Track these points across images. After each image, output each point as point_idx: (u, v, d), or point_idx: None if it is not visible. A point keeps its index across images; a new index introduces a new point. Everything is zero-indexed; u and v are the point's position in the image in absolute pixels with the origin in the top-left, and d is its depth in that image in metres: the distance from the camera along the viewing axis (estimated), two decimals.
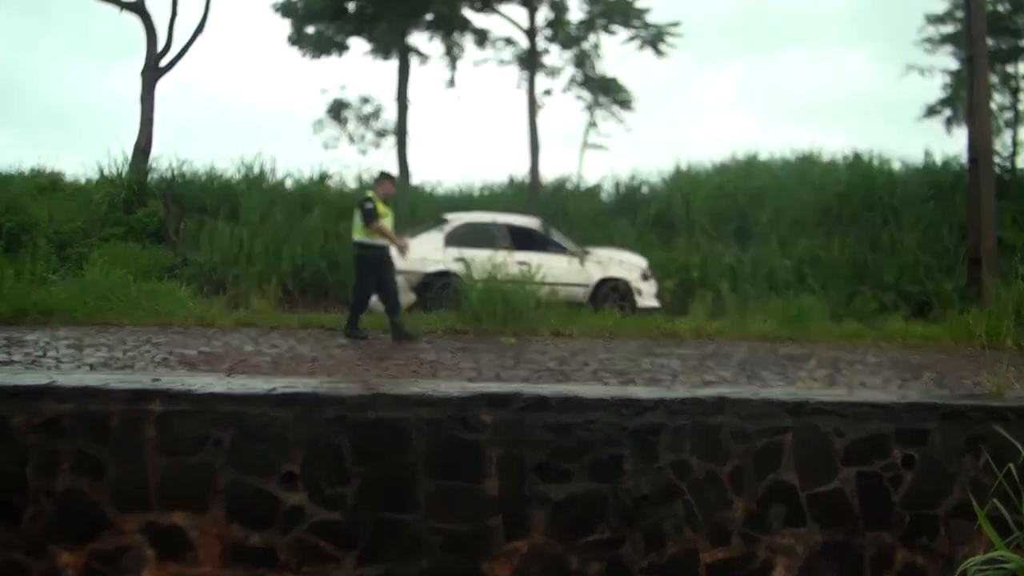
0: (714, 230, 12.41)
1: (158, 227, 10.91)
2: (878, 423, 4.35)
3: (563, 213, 12.92)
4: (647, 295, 10.04)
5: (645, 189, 14.28)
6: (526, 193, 14.09)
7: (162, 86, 12.52)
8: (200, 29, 12.58)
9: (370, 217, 6.95)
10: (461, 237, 9.76)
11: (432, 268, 9.34)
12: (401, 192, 12.17)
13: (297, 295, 10.53)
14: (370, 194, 7.19)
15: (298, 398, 4.18)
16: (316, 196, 12.41)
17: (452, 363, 5.92)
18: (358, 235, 7.03)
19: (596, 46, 16.37)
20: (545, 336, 7.63)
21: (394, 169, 14.94)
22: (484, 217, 10.43)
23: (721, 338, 7.87)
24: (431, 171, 28.51)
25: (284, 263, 10.66)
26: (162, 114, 12.54)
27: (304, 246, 10.97)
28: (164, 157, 12.61)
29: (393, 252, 6.96)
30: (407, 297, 8.62)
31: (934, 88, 21.21)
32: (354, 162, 22.64)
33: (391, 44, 15.80)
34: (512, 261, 8.95)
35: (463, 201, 13.25)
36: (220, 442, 4.04)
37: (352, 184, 13.49)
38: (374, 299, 7.12)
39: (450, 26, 15.49)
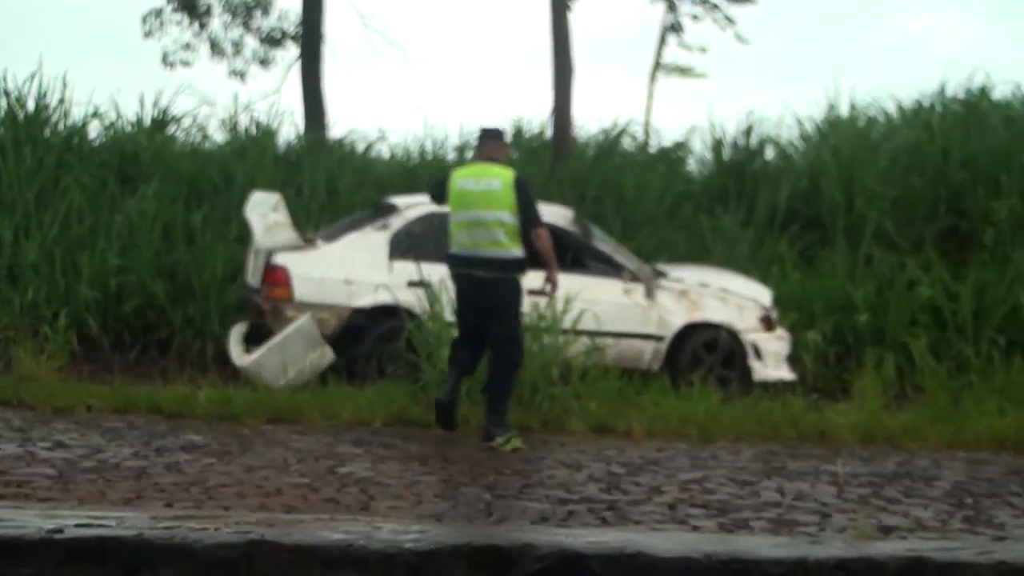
0: (904, 231, 11.13)
1: None
2: None
3: (614, 195, 11.81)
4: (772, 357, 9.15)
5: (770, 152, 12.96)
6: (543, 157, 13.00)
7: None
8: None
9: (535, 216, 6.86)
10: (420, 241, 8.75)
11: (365, 300, 8.51)
12: (307, 153, 11.66)
13: (108, 347, 9.39)
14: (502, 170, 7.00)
15: (106, 548, 3.81)
16: (149, 158, 11.19)
17: (402, 482, 5.58)
18: (507, 247, 6.83)
19: None
20: (580, 434, 7.34)
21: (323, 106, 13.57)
22: None
23: (916, 442, 7.56)
24: (368, 115, 25.72)
25: (83, 288, 9.45)
26: None
27: (126, 254, 9.78)
28: None
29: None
30: (316, 355, 8.12)
31: None
32: (224, 91, 19.76)
33: None
34: None
35: (425, 172, 12.08)
36: None
37: (219, 134, 12.60)
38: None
39: None
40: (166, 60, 14.87)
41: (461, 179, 6.98)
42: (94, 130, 11.62)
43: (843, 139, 12.30)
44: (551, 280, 7.06)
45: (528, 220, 6.83)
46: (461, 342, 7.06)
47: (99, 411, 7.32)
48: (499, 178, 6.88)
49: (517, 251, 6.85)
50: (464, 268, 6.93)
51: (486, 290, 6.88)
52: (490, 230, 6.80)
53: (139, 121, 11.93)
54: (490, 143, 7.13)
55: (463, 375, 7.04)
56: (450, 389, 6.94)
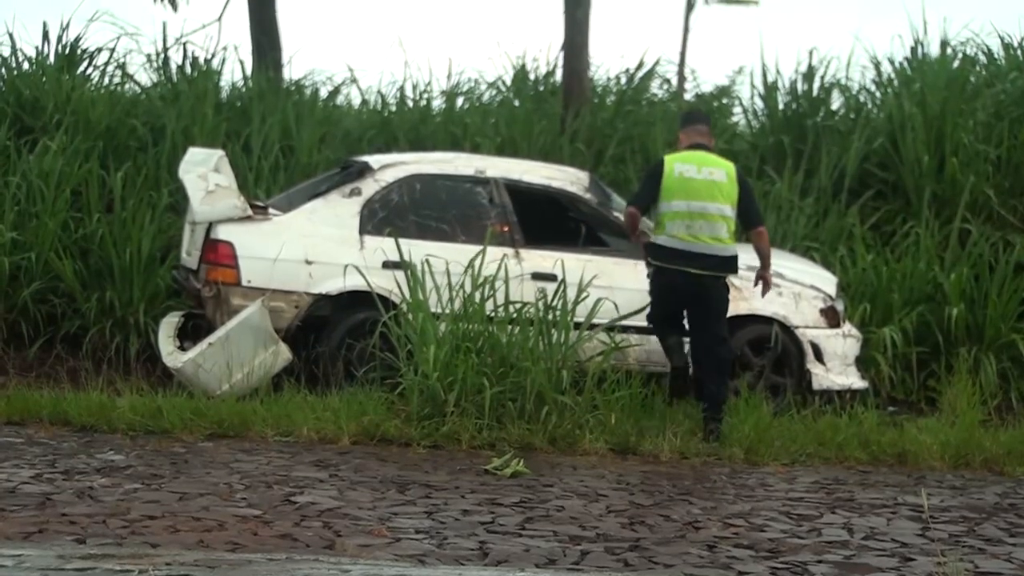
0: (1009, 201, 11.18)
1: None
2: None
3: (640, 154, 11.90)
4: (837, 359, 9.10)
5: (838, 101, 12.90)
6: (552, 105, 12.99)
7: None
8: None
9: (758, 213, 8.10)
10: (398, 211, 8.86)
11: (329, 285, 8.56)
12: (256, 99, 11.65)
13: (1, 342, 9.44)
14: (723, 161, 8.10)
15: None
16: (53, 105, 11.09)
17: (375, 515, 5.59)
18: (727, 243, 7.80)
19: None
20: (596, 455, 7.42)
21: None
22: (452, 164, 9.47)
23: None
24: (333, 51, 25.51)
25: None
26: None
27: (23, 226, 9.80)
28: None
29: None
30: (268, 354, 8.16)
31: None
32: (151, 20, 19.72)
33: None
34: (521, 270, 8.46)
35: (405, 123, 12.24)
36: None
37: (144, 74, 12.50)
38: None
39: None
40: None
41: (679, 164, 7.71)
42: None
43: (932, 85, 12.19)
44: (765, 280, 7.96)
45: (751, 218, 7.82)
46: (668, 325, 7.91)
47: None
48: (722, 169, 7.75)
49: (735, 248, 7.77)
50: (678, 263, 7.65)
51: (700, 288, 7.68)
52: (713, 223, 7.65)
53: (41, 58, 11.88)
54: (698, 126, 7.98)
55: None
56: (684, 353, 7.85)
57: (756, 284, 8.04)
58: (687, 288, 7.73)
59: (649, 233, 8.02)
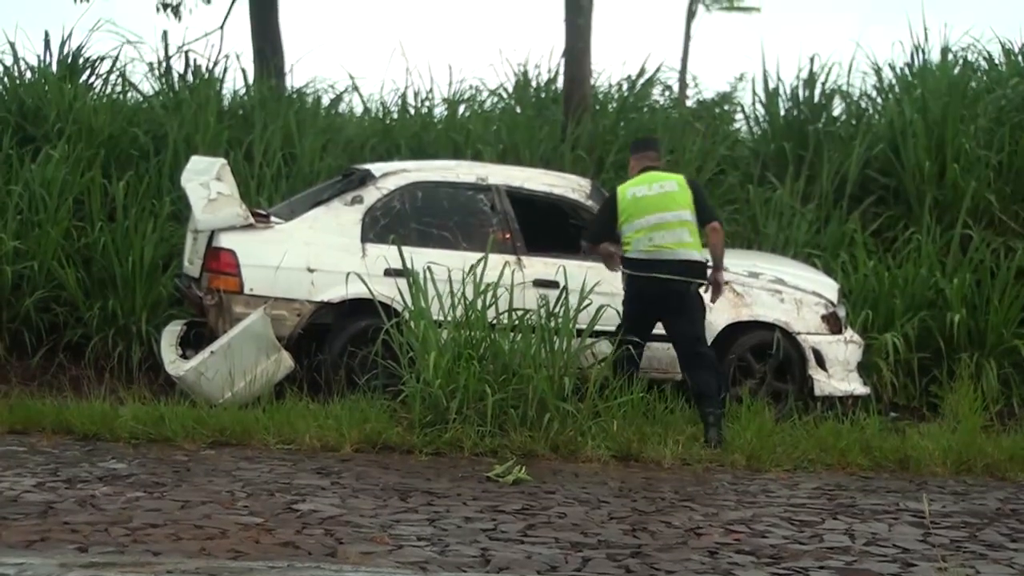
0: (1011, 207, 11.18)
1: None
2: None
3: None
4: (839, 365, 9.13)
5: (839, 108, 12.97)
6: (553, 113, 13.06)
7: None
8: None
9: (712, 211, 8.46)
10: (400, 219, 8.91)
11: (331, 292, 8.56)
12: (259, 107, 11.68)
13: (4, 351, 9.47)
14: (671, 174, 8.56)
15: None
16: (56, 113, 11.06)
17: (377, 522, 5.58)
18: (691, 247, 8.12)
19: None
20: (598, 462, 7.42)
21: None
22: (454, 172, 9.47)
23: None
24: (335, 60, 25.59)
25: None
26: None
27: (26, 234, 9.82)
28: None
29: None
30: (270, 362, 8.19)
31: None
32: (154, 29, 19.82)
33: None
34: (523, 277, 8.48)
35: (407, 132, 12.23)
36: None
37: (147, 83, 12.55)
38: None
39: None
40: None
41: (631, 188, 8.11)
42: None
43: (933, 91, 12.19)
44: (716, 283, 8.13)
45: (706, 215, 8.10)
46: (634, 345, 8.02)
47: None
48: (672, 180, 8.17)
49: (702, 255, 8.05)
50: (646, 271, 7.94)
51: (670, 293, 7.91)
52: (674, 230, 7.97)
53: (43, 67, 11.89)
54: (648, 152, 8.39)
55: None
56: (636, 364, 8.04)
57: (706, 289, 8.12)
58: (658, 295, 7.97)
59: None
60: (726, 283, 8.91)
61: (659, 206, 8.12)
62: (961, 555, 5.41)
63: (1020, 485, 7.30)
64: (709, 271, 8.27)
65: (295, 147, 11.30)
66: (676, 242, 8.04)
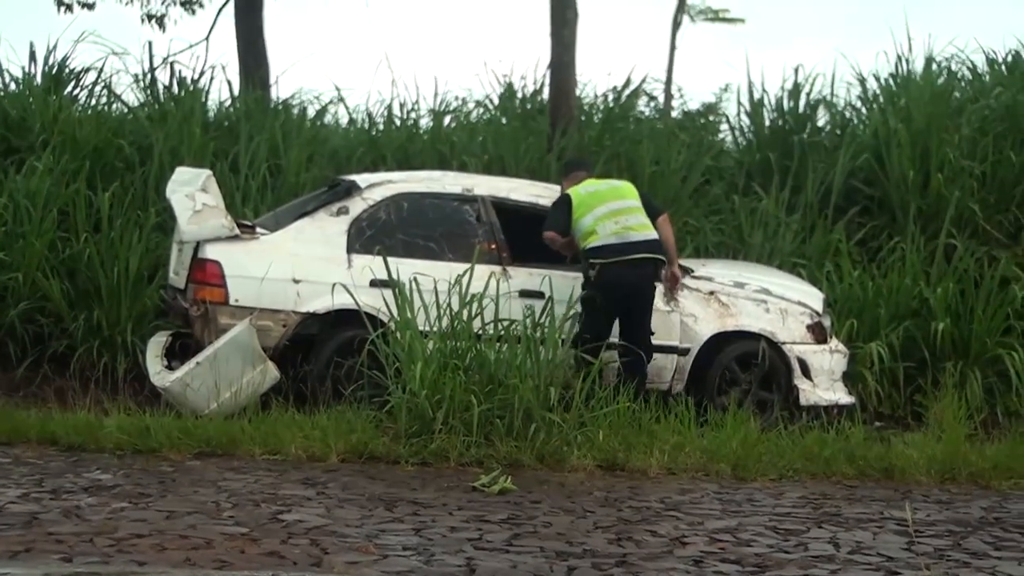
0: (994, 216, 11.22)
1: None
2: None
3: (627, 171, 11.70)
4: (824, 375, 9.16)
5: (824, 118, 13.05)
6: (539, 123, 13.01)
7: None
8: None
9: (657, 204, 9.08)
10: (386, 230, 8.89)
11: (317, 303, 8.57)
12: (244, 118, 11.70)
13: None
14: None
15: None
16: (40, 125, 11.09)
17: (362, 532, 5.56)
18: (650, 229, 8.52)
19: None
20: (584, 471, 7.43)
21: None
22: (439, 183, 9.49)
23: (1010, 481, 7.55)
24: (320, 70, 25.55)
25: None
26: None
27: (10, 245, 9.80)
28: None
29: None
30: (255, 373, 8.17)
31: None
32: (138, 40, 19.84)
33: None
34: (508, 288, 8.47)
35: (393, 143, 12.22)
36: None
37: (131, 94, 12.46)
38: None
39: None
40: (62, 0, 14.84)
41: (582, 187, 8.50)
42: None
43: (917, 101, 12.21)
44: (674, 276, 8.51)
45: (653, 208, 8.48)
46: (595, 339, 8.13)
47: None
48: (615, 180, 8.90)
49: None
50: (618, 256, 8.19)
51: (640, 279, 8.24)
52: (633, 214, 8.35)
53: (27, 78, 11.86)
54: (578, 172, 8.80)
55: None
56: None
57: (665, 281, 8.45)
58: (629, 281, 8.23)
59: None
60: (711, 293, 8.97)
61: (615, 195, 8.51)
62: (945, 563, 5.42)
63: (1004, 494, 7.31)
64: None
65: (281, 158, 11.28)
66: (641, 224, 8.34)
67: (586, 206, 8.42)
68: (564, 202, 8.55)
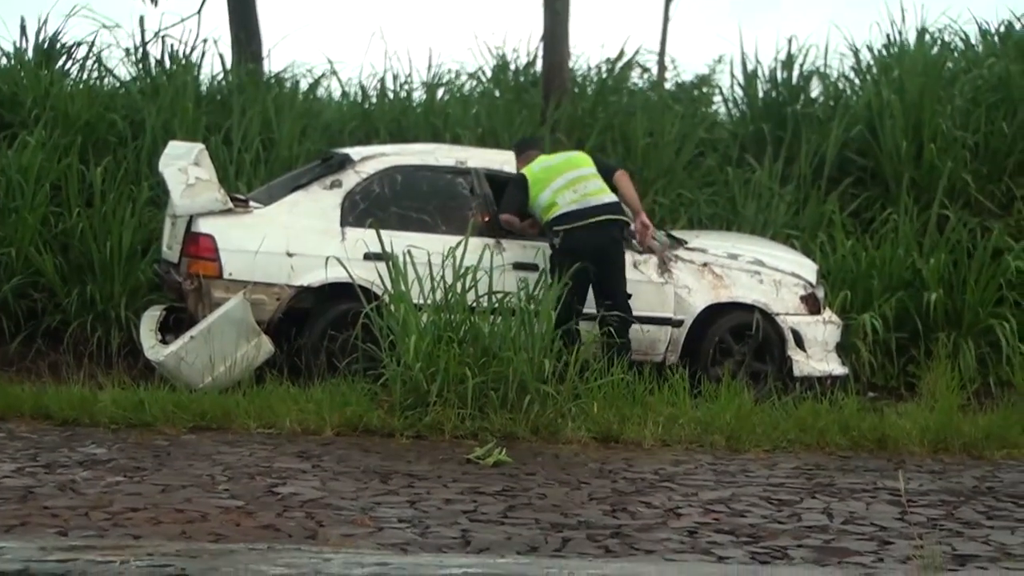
0: (987, 187, 11.20)
1: None
2: None
3: (620, 143, 11.92)
4: (818, 346, 9.15)
5: (817, 89, 12.99)
6: (532, 96, 13.01)
7: None
8: None
9: (612, 162, 9.46)
10: (379, 203, 8.85)
11: (311, 277, 8.56)
12: (237, 92, 11.67)
13: None
14: None
15: None
16: (32, 99, 11.02)
17: (357, 504, 5.57)
18: (609, 192, 8.63)
19: None
20: (579, 443, 7.41)
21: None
22: (432, 155, 9.42)
23: (1002, 451, 7.58)
24: (313, 44, 25.39)
25: None
26: None
27: (3, 220, 9.79)
28: None
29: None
30: (250, 346, 8.17)
31: None
32: (130, 14, 19.60)
33: None
34: (502, 260, 8.48)
35: (386, 117, 12.19)
36: None
37: (123, 68, 12.39)
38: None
39: None
40: None
41: (536, 164, 8.54)
42: None
43: (910, 72, 12.19)
44: (643, 224, 8.55)
45: (607, 170, 8.57)
46: (574, 308, 8.13)
47: None
48: (568, 151, 9.06)
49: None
50: (580, 220, 8.25)
51: (605, 241, 8.27)
52: (591, 180, 8.43)
53: (19, 52, 11.82)
54: (530, 152, 8.79)
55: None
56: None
57: (637, 234, 8.51)
58: (594, 244, 8.24)
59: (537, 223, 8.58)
60: (704, 265, 8.95)
61: (569, 166, 8.58)
62: (938, 533, 5.44)
63: (996, 463, 7.33)
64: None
65: (273, 132, 11.23)
66: (598, 189, 8.43)
67: (542, 182, 8.48)
68: (519, 182, 8.59)
